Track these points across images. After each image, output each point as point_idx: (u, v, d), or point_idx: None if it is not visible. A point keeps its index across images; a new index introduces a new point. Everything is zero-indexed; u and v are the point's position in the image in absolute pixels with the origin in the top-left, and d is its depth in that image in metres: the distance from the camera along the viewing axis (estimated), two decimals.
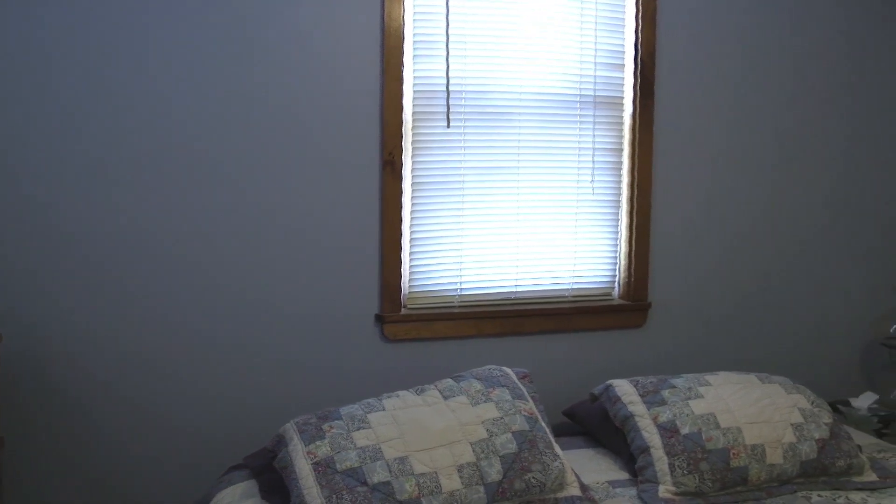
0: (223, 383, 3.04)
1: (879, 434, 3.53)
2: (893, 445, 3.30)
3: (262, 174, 3.01)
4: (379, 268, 3.16)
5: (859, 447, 3.04)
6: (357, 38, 3.07)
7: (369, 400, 2.74)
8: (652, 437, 2.85)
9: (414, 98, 3.18)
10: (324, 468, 2.46)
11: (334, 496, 2.38)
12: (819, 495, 2.81)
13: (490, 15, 3.24)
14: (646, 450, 2.84)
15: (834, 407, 3.58)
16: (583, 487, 2.69)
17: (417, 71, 3.17)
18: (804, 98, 3.77)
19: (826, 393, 3.62)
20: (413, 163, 3.20)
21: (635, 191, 3.48)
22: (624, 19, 3.44)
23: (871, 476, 2.93)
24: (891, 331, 3.77)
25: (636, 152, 3.47)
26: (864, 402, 3.65)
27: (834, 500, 2.78)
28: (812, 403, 3.05)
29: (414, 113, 3.18)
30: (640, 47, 3.43)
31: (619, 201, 3.51)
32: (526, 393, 2.88)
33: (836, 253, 3.91)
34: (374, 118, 3.11)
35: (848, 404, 3.66)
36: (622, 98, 3.47)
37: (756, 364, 3.63)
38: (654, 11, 3.43)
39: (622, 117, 3.48)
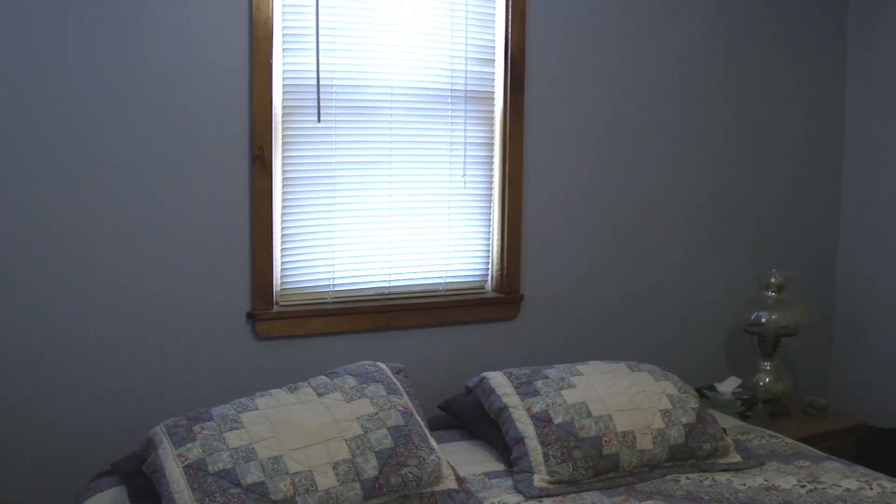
0: (90, 384, 2.92)
1: (743, 417, 3.67)
2: (756, 427, 3.45)
3: (129, 170, 2.90)
4: (250, 264, 3.10)
5: (724, 430, 3.16)
6: (224, 30, 2.99)
7: (242, 399, 2.69)
8: (526, 427, 2.89)
9: (284, 92, 3.13)
10: (195, 471, 2.40)
11: (207, 499, 2.32)
12: (687, 478, 2.90)
13: (361, 8, 3.22)
14: (520, 440, 2.87)
15: (700, 392, 3.70)
16: (459, 480, 2.71)
17: (287, 64, 3.12)
18: (677, 94, 3.90)
19: (693, 379, 3.75)
20: (284, 157, 3.15)
21: (507, 185, 3.52)
22: (494, 15, 3.47)
23: (735, 457, 3.05)
24: (752, 318, 3.92)
25: (507, 147, 3.50)
26: (728, 386, 3.79)
27: (701, 481, 2.87)
28: (679, 390, 3.15)
29: (284, 107, 3.14)
30: (510, 43, 3.47)
31: (491, 195, 3.54)
32: (401, 388, 2.87)
33: (702, 244, 4.05)
34: (243, 112, 3.05)
35: (713, 389, 3.80)
36: (493, 93, 3.50)
37: (626, 353, 3.73)
38: (524, 7, 3.47)
39: (493, 112, 3.51)
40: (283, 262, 3.20)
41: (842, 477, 2.87)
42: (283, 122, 3.14)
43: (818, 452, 3.15)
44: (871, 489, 2.77)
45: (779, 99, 4.19)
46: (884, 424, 4.06)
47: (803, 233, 4.35)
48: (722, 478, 2.90)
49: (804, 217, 4.34)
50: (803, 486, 2.80)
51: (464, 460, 2.95)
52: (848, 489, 2.77)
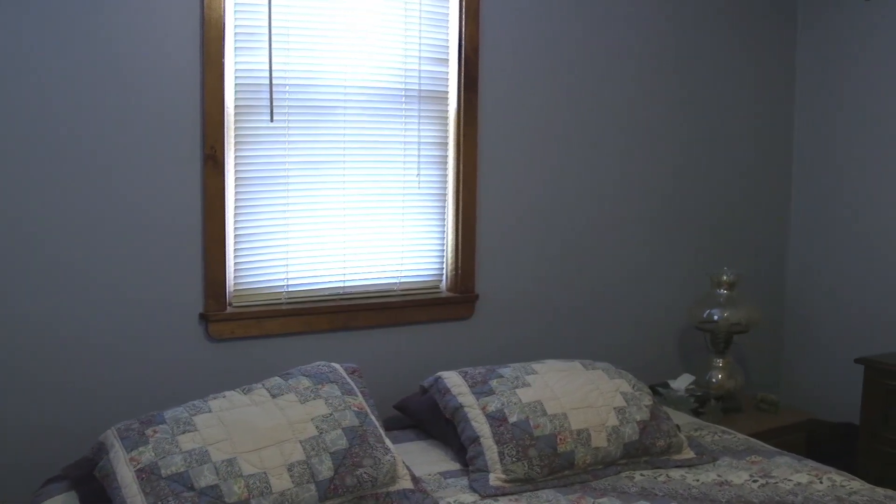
0: (39, 387, 2.86)
1: (696, 413, 3.71)
2: (709, 423, 3.48)
3: (78, 169, 2.85)
4: (202, 265, 3.06)
5: (678, 427, 3.19)
6: (175, 29, 2.95)
7: (195, 402, 2.66)
8: (481, 426, 2.89)
9: (236, 91, 3.10)
10: (148, 474, 2.36)
11: (159, 503, 2.29)
12: (641, 475, 2.93)
13: (313, 7, 3.20)
14: (476, 439, 2.87)
15: (654, 390, 3.73)
16: (415, 480, 2.70)
17: (239, 63, 3.10)
18: (631, 95, 3.94)
19: (647, 376, 3.78)
20: (236, 157, 3.13)
21: (461, 184, 3.52)
22: (448, 14, 3.47)
23: (688, 454, 3.07)
24: (704, 315, 3.96)
25: (461, 146, 3.51)
26: (681, 383, 3.83)
27: (655, 478, 2.90)
28: (633, 387, 3.17)
29: (236, 106, 3.11)
30: (463, 42, 3.47)
31: (445, 195, 3.54)
32: (355, 388, 2.86)
33: (655, 244, 4.09)
34: (194, 111, 3.01)
35: (667, 386, 3.83)
36: (447, 92, 3.50)
37: (581, 351, 3.74)
38: (478, 6, 3.47)
39: (447, 111, 3.51)
40: (236, 263, 3.17)
41: (793, 471, 2.91)
42: (236, 121, 3.11)
43: (770, 447, 3.19)
44: (821, 483, 2.82)
45: (729, 102, 4.24)
46: (833, 419, 4.13)
47: (754, 232, 4.41)
48: (676, 474, 2.93)
49: (755, 217, 4.40)
50: (755, 481, 2.84)
51: (419, 460, 2.95)
52: (799, 483, 2.81)
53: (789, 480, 2.84)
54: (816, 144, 4.38)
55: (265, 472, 2.44)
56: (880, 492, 2.76)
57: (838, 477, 2.87)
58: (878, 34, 4.07)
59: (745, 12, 4.25)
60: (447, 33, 3.48)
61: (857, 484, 2.82)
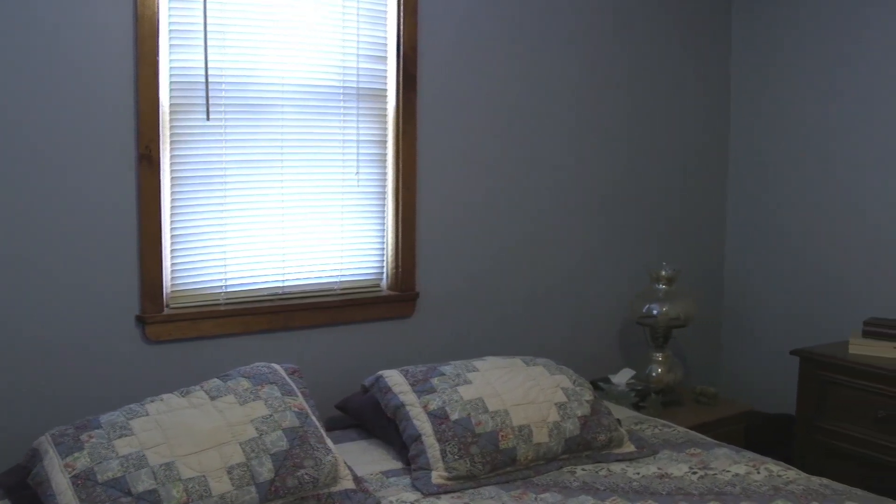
0: None
1: (637, 407, 3.74)
2: (649, 417, 3.52)
3: (10, 168, 2.77)
4: (138, 267, 3.01)
5: (619, 421, 3.22)
6: (107, 26, 2.89)
7: (132, 406, 2.62)
8: (423, 424, 2.89)
9: (171, 89, 3.05)
10: (83, 481, 2.32)
11: None
12: (583, 469, 2.95)
13: (250, 3, 3.16)
14: (417, 438, 2.87)
15: (595, 384, 3.76)
16: (357, 480, 2.69)
17: (174, 61, 3.05)
18: (571, 92, 3.96)
19: (589, 371, 3.81)
20: (172, 156, 3.08)
21: (400, 182, 3.51)
22: (386, 11, 3.46)
23: (629, 447, 3.10)
24: (643, 310, 4.00)
25: (400, 144, 3.50)
26: (622, 378, 3.86)
27: (597, 472, 2.92)
28: (574, 383, 3.20)
29: (172, 104, 3.06)
30: (402, 39, 3.46)
31: (384, 193, 3.53)
32: (296, 388, 2.84)
33: (595, 240, 4.12)
34: (128, 110, 2.95)
35: (608, 381, 3.86)
36: (386, 90, 3.49)
37: (523, 348, 3.75)
38: (416, 4, 3.46)
39: (386, 109, 3.50)
40: (173, 264, 3.12)
41: (731, 462, 2.95)
42: (171, 119, 3.06)
43: (709, 440, 3.23)
44: (758, 473, 2.87)
45: (667, 99, 4.29)
46: (770, 410, 4.20)
47: (692, 228, 4.47)
48: (617, 468, 2.96)
49: (693, 213, 4.46)
50: (695, 473, 2.87)
51: (361, 460, 2.93)
52: (737, 474, 2.86)
53: (728, 471, 2.88)
54: (751, 143, 4.45)
55: (204, 476, 2.41)
56: (816, 480, 2.82)
57: (775, 467, 2.92)
58: (811, 35, 4.15)
59: (681, 14, 4.30)
60: (385, 31, 3.46)
61: (793, 473, 2.87)
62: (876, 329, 3.55)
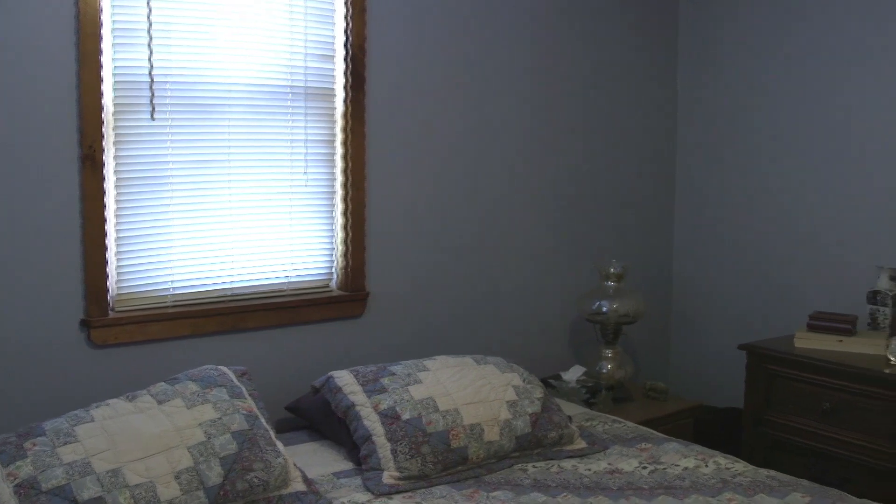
0: None
1: (588, 404, 3.76)
2: (600, 413, 3.55)
3: None
4: (82, 269, 2.95)
5: (569, 418, 3.24)
6: (48, 24, 2.84)
7: (76, 412, 2.57)
8: (374, 425, 2.88)
9: (115, 89, 3.00)
10: (27, 490, 2.28)
11: None
12: (534, 466, 2.96)
13: (195, 2, 3.12)
14: (368, 438, 2.86)
15: (546, 382, 3.78)
16: (307, 481, 2.67)
17: (118, 60, 3.00)
18: (520, 91, 3.97)
19: (540, 369, 3.82)
20: (116, 157, 3.03)
21: (349, 182, 3.49)
22: (334, 10, 3.43)
23: (580, 444, 3.12)
24: (593, 307, 4.03)
25: (349, 144, 3.48)
26: (573, 375, 3.88)
27: (548, 469, 2.93)
28: (525, 380, 3.21)
29: (115, 104, 3.01)
30: (350, 39, 3.44)
31: (333, 193, 3.51)
32: (245, 391, 2.81)
33: (545, 238, 4.14)
34: (71, 110, 2.90)
35: (559, 378, 3.88)
36: (334, 90, 3.47)
37: (474, 347, 3.76)
38: (364, 4, 3.45)
39: (334, 109, 3.48)
40: (118, 266, 3.08)
41: (680, 456, 2.99)
42: (115, 119, 3.02)
43: (659, 434, 3.27)
44: (707, 466, 2.90)
45: (617, 100, 4.32)
46: (719, 404, 4.25)
47: (641, 226, 4.50)
48: (568, 464, 2.97)
49: (642, 212, 4.50)
50: (645, 468, 2.90)
51: (312, 461, 2.92)
52: (686, 468, 2.89)
53: (677, 465, 2.91)
54: (697, 144, 4.50)
55: (152, 482, 2.39)
56: (763, 472, 2.86)
57: (723, 460, 2.96)
58: (755, 39, 4.21)
59: (629, 16, 4.33)
60: (333, 30, 3.44)
61: (741, 466, 2.91)
62: (821, 323, 3.60)
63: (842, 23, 3.87)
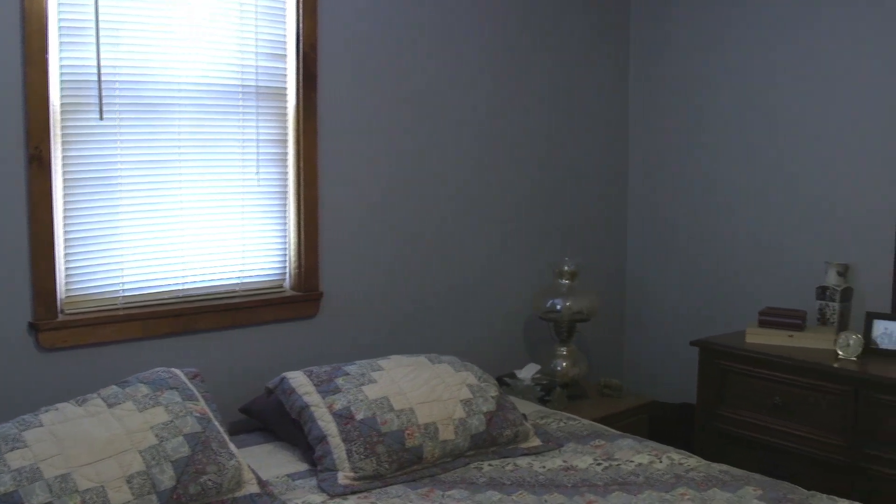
0: None
1: (542, 401, 3.78)
2: (555, 411, 3.56)
3: None
4: (29, 272, 2.90)
5: (524, 416, 3.25)
6: None
7: (24, 416, 2.53)
8: (328, 425, 2.86)
9: (62, 88, 2.95)
10: None
11: None
12: (490, 465, 2.96)
13: (144, 0, 3.09)
14: (323, 439, 2.84)
15: (501, 380, 3.79)
16: (261, 483, 2.65)
17: (65, 59, 2.95)
18: (473, 91, 3.97)
19: (496, 367, 3.84)
20: (64, 157, 2.98)
21: (302, 182, 3.47)
22: (285, 9, 3.41)
23: (535, 441, 3.13)
24: (547, 305, 4.04)
25: (301, 143, 3.46)
26: (527, 373, 3.90)
27: (503, 467, 2.94)
28: (479, 379, 3.21)
29: (63, 104, 2.96)
30: (301, 38, 3.42)
31: (286, 192, 3.48)
32: (197, 393, 2.78)
33: (500, 237, 4.15)
34: (16, 110, 2.85)
35: (514, 376, 3.89)
36: (285, 89, 3.45)
37: (428, 346, 3.76)
38: (315, 2, 3.43)
39: (286, 108, 3.45)
40: (67, 268, 3.03)
41: (634, 452, 3.01)
42: (63, 119, 2.97)
43: (613, 431, 3.29)
44: (660, 462, 2.93)
45: (570, 100, 4.34)
46: (673, 400, 4.29)
47: (595, 225, 4.53)
48: (523, 462, 2.98)
49: (595, 211, 4.52)
50: (599, 464, 2.92)
51: (266, 463, 2.89)
52: (640, 463, 2.92)
53: (631, 461, 2.94)
54: (649, 143, 4.54)
55: (103, 486, 2.35)
56: (716, 467, 2.89)
57: (677, 455, 2.98)
58: (702, 38, 4.26)
59: (581, 18, 4.36)
60: (284, 29, 3.42)
61: (693, 461, 2.94)
62: (771, 318, 3.65)
63: (785, 24, 3.93)
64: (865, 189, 3.70)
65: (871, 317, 3.50)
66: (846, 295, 3.66)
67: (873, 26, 3.63)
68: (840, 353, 3.39)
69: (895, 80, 3.56)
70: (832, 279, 3.67)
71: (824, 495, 2.68)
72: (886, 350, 3.42)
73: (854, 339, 3.38)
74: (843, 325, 3.64)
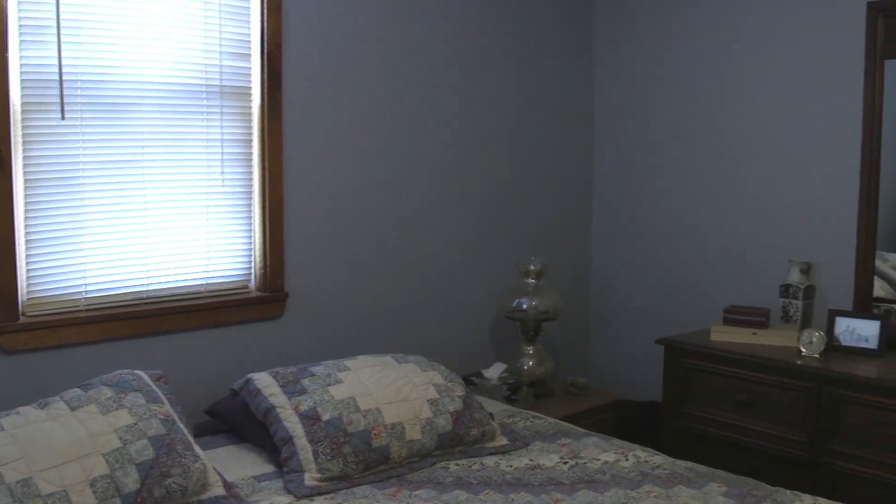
0: None
1: (509, 400, 3.79)
2: (521, 410, 3.57)
3: None
4: None
5: (491, 415, 3.26)
6: None
7: None
8: (294, 426, 2.85)
9: (23, 87, 2.91)
10: None
11: None
12: (456, 464, 2.96)
13: None
14: (289, 440, 2.83)
15: (468, 380, 3.79)
16: (227, 486, 2.64)
17: (25, 58, 2.91)
18: (439, 91, 3.97)
19: (463, 367, 3.84)
20: (25, 158, 2.94)
21: (267, 182, 3.45)
22: (249, 8, 3.39)
23: (502, 441, 3.14)
24: (514, 304, 4.05)
25: (266, 143, 3.44)
26: (494, 372, 3.90)
27: (470, 467, 2.94)
28: (446, 379, 3.21)
29: (24, 104, 2.92)
30: (266, 37, 3.40)
31: (251, 192, 3.46)
32: (161, 395, 2.76)
33: (466, 237, 4.15)
34: None
35: (481, 376, 3.90)
36: (250, 88, 3.43)
37: (395, 346, 3.75)
38: (280, 1, 3.41)
39: (251, 108, 3.43)
40: (28, 270, 2.99)
41: (600, 451, 3.02)
42: (24, 119, 2.93)
43: (579, 430, 3.30)
44: (627, 460, 2.94)
45: (536, 100, 4.36)
46: (639, 398, 4.31)
47: (560, 225, 4.55)
48: (490, 461, 2.99)
49: (560, 210, 4.54)
50: (566, 463, 2.93)
51: (232, 465, 2.87)
52: (606, 462, 2.93)
53: (597, 460, 2.95)
54: (613, 142, 4.57)
55: (65, 490, 2.33)
56: (681, 464, 2.91)
57: (643, 453, 3.00)
58: (663, 38, 4.29)
59: (546, 19, 4.37)
60: (249, 28, 3.40)
61: (659, 458, 2.96)
62: (735, 316, 3.68)
63: (750, 24, 3.96)
64: (828, 188, 3.74)
65: (833, 314, 3.54)
66: (809, 293, 3.71)
67: (844, 23, 3.66)
68: (803, 350, 3.43)
69: (857, 80, 3.60)
70: (795, 277, 3.71)
71: (788, 491, 2.71)
72: (848, 347, 3.46)
73: (817, 337, 3.42)
74: (806, 323, 3.68)
